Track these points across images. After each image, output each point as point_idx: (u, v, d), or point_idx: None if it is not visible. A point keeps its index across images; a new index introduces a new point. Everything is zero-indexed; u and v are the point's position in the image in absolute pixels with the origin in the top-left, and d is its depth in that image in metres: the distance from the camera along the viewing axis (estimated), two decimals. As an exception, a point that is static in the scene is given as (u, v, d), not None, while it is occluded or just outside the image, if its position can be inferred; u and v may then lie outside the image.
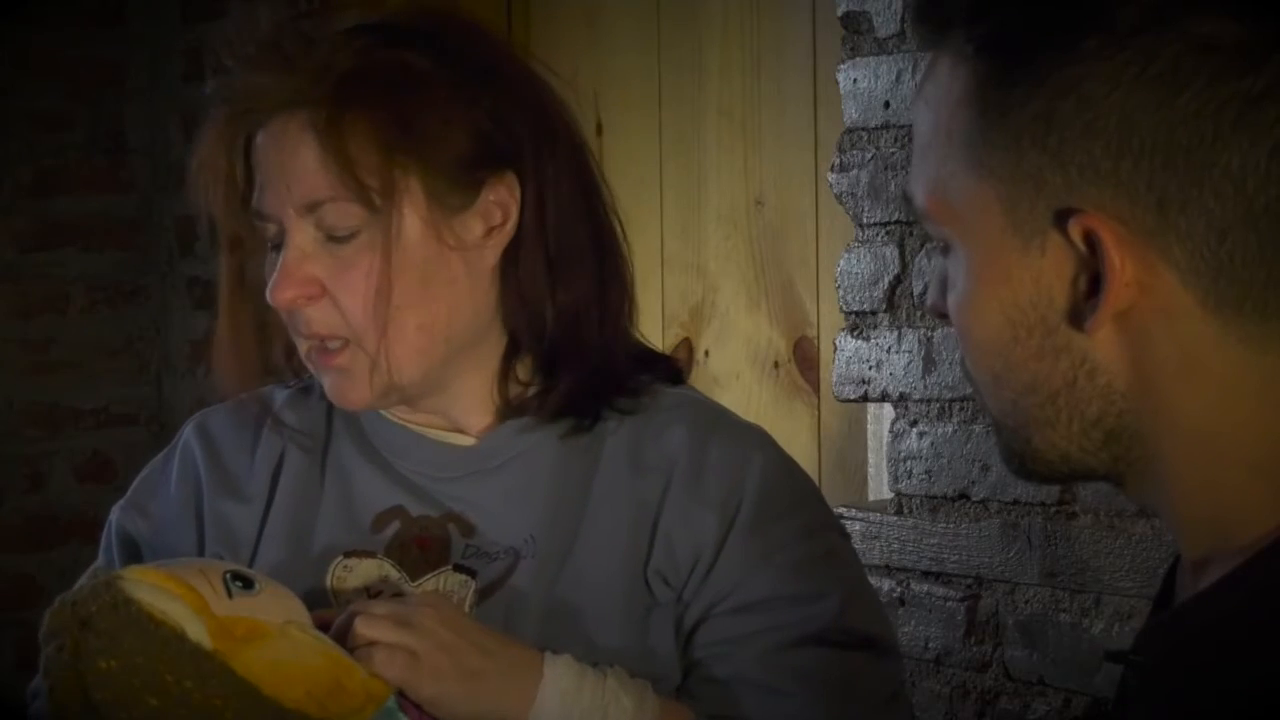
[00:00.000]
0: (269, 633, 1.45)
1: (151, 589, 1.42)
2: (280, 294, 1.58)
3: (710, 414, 1.70)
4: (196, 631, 1.41)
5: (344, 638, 1.50)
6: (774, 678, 1.60)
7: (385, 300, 1.57)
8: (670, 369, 1.75)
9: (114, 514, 1.75)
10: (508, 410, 1.67)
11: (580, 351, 1.66)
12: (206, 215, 1.65)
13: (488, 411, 1.68)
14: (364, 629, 1.49)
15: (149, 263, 3.88)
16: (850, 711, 1.61)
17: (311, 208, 1.57)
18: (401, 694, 1.49)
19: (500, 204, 1.61)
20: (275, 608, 1.48)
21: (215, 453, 1.72)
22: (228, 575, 1.47)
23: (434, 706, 1.50)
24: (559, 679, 1.52)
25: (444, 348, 1.62)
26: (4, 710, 3.34)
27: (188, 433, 1.75)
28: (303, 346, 1.63)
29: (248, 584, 1.47)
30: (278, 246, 1.61)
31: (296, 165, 1.57)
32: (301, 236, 1.58)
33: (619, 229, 1.70)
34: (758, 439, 1.69)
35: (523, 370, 1.67)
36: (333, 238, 1.58)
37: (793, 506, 1.66)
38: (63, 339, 3.82)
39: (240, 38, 1.63)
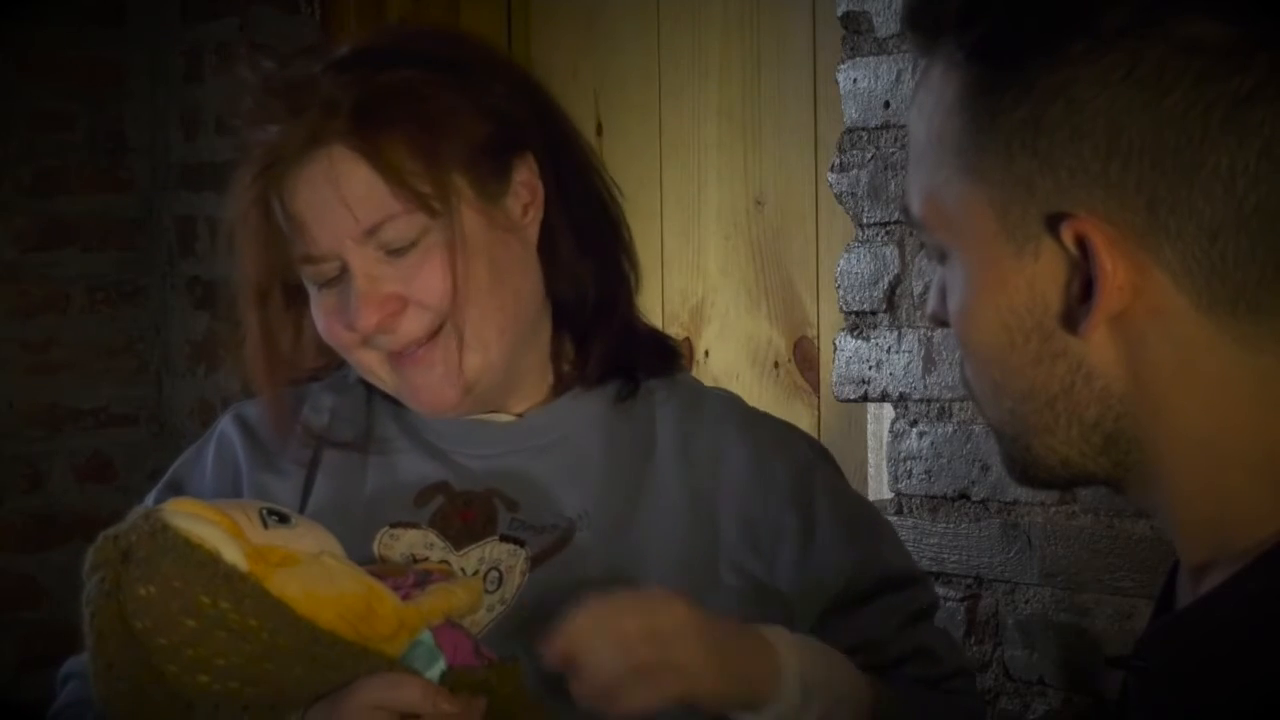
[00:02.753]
0: (302, 560, 1.47)
1: (188, 516, 1.46)
2: (365, 320, 1.62)
3: (753, 415, 1.79)
4: (232, 554, 1.44)
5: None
6: (907, 644, 1.70)
7: (463, 294, 1.62)
8: (676, 351, 1.82)
9: (149, 499, 1.78)
10: (559, 388, 1.73)
11: (613, 318, 1.73)
12: (248, 275, 1.69)
13: (539, 393, 1.73)
14: (613, 691, 1.49)
15: (149, 263, 3.88)
16: (958, 658, 1.75)
17: (372, 231, 1.61)
18: (439, 629, 1.50)
19: (527, 184, 1.68)
20: (309, 540, 1.51)
21: (253, 435, 1.76)
22: (264, 510, 1.51)
23: (689, 698, 1.51)
24: (784, 641, 1.57)
25: (519, 326, 1.67)
26: (4, 710, 3.34)
27: (224, 422, 1.79)
28: (375, 361, 1.67)
29: (283, 519, 1.51)
30: (328, 284, 1.65)
31: (350, 194, 1.61)
32: (365, 261, 1.62)
33: (620, 202, 1.78)
34: (801, 436, 1.80)
35: (569, 349, 1.74)
36: (393, 251, 1.62)
37: (855, 497, 1.77)
38: (63, 339, 3.82)
39: (238, 98, 1.67)
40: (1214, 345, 1.03)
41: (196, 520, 1.45)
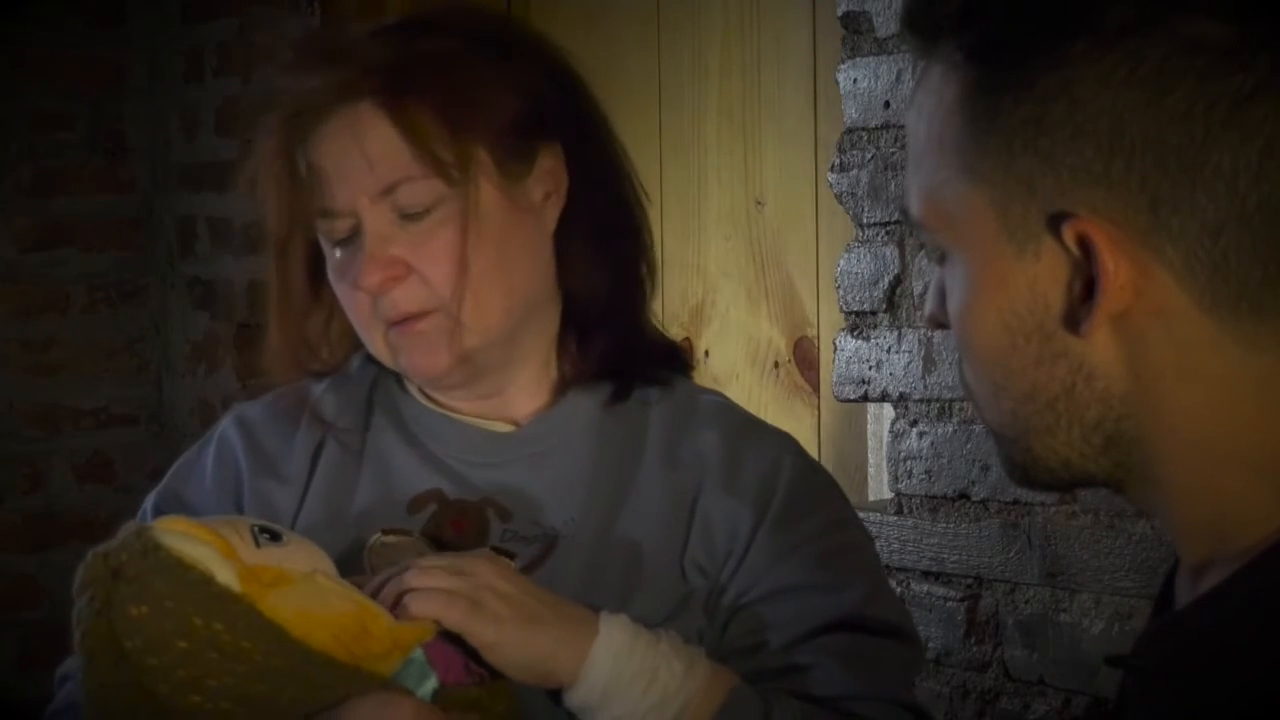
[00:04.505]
0: (294, 580, 1.46)
1: (180, 536, 1.44)
2: (369, 279, 1.62)
3: (742, 418, 1.76)
4: (225, 575, 1.43)
5: (390, 590, 1.52)
6: (802, 658, 1.64)
7: (470, 266, 1.62)
8: (682, 360, 1.80)
9: (148, 501, 1.78)
10: (562, 386, 1.72)
11: (620, 320, 1.72)
12: (268, 220, 1.69)
13: (541, 391, 1.72)
14: (422, 576, 1.52)
15: (149, 263, 3.89)
16: (877, 684, 1.65)
17: (388, 190, 1.61)
18: (431, 646, 1.50)
19: (552, 172, 1.68)
20: (302, 558, 1.50)
21: (254, 439, 1.75)
22: (255, 528, 1.49)
23: (491, 651, 1.52)
24: (613, 638, 1.55)
25: (523, 309, 1.67)
26: (4, 709, 3.34)
27: (225, 424, 1.78)
28: (378, 333, 1.66)
29: (275, 536, 1.50)
30: (342, 242, 1.65)
31: (371, 150, 1.61)
32: (378, 221, 1.62)
33: (646, 206, 1.77)
34: (788, 442, 1.75)
35: (573, 347, 1.73)
36: (407, 216, 1.62)
37: (820, 503, 1.71)
38: (63, 339, 3.82)
39: (279, 49, 1.69)
40: (1216, 345, 1.03)
41: (189, 540, 1.44)
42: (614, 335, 1.72)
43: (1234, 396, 1.03)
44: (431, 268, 1.62)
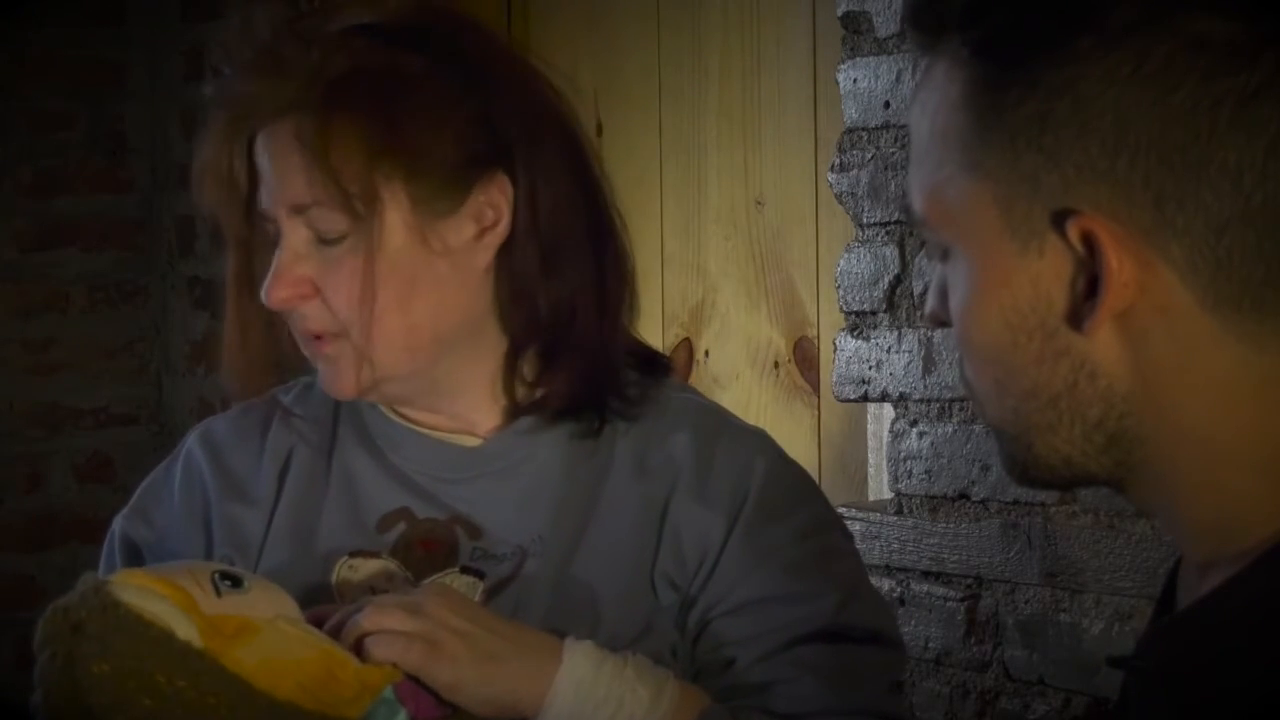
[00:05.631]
0: (258, 628, 1.45)
1: (139, 591, 1.43)
2: (274, 294, 1.61)
3: (714, 418, 1.72)
4: (186, 630, 1.42)
5: (349, 632, 1.50)
6: (776, 673, 1.61)
7: (369, 304, 1.59)
8: (665, 369, 1.76)
9: (116, 523, 1.76)
10: (516, 410, 1.68)
11: (577, 346, 1.66)
12: (211, 217, 1.67)
13: (495, 411, 1.68)
14: (377, 618, 1.50)
15: (149, 263, 3.88)
16: (853, 697, 1.62)
17: (299, 210, 1.59)
18: (399, 684, 1.49)
19: (491, 204, 1.62)
20: (264, 604, 1.48)
21: (220, 458, 1.72)
22: (216, 575, 1.48)
23: (451, 691, 1.50)
24: (576, 667, 1.53)
25: (433, 347, 1.63)
26: (4, 710, 3.34)
27: (191, 441, 1.76)
28: (300, 339, 1.65)
29: (236, 582, 1.48)
30: (276, 245, 1.63)
31: (283, 170, 1.59)
32: (295, 237, 1.60)
33: (619, 222, 1.70)
34: (761, 442, 1.71)
35: (529, 369, 1.68)
36: (323, 239, 1.60)
37: (792, 507, 1.67)
38: (63, 339, 3.82)
39: (237, 42, 1.65)
40: (1218, 343, 1.03)
41: (147, 595, 1.42)
42: (576, 371, 1.66)
43: (1236, 395, 1.03)
44: (334, 295, 1.60)
